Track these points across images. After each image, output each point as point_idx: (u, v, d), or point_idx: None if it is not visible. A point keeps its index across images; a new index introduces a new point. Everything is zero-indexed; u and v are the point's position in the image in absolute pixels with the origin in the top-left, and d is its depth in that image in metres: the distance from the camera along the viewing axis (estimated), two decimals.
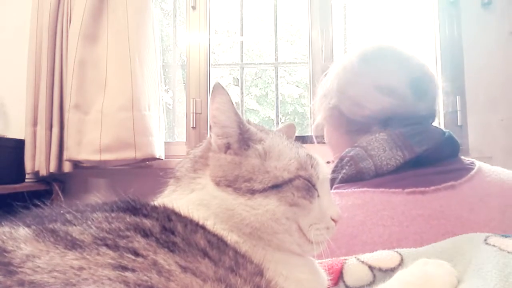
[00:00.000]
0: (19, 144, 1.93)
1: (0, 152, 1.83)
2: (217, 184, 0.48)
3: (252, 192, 0.47)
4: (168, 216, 0.43)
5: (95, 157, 1.82)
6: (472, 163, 0.85)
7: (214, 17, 2.27)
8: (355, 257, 0.56)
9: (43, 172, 1.89)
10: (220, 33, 3.41)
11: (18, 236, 0.36)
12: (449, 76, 2.03)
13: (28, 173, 1.95)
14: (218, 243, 0.42)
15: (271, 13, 2.31)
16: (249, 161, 0.49)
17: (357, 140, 0.89)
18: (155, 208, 0.44)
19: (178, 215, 0.44)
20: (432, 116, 0.93)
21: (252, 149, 0.50)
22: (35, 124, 1.94)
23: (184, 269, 0.35)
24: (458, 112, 1.99)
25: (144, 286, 0.32)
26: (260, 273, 0.41)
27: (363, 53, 0.94)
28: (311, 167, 0.51)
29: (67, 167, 1.92)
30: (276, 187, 0.47)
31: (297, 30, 3.58)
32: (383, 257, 0.55)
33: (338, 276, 0.55)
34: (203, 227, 0.44)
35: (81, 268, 0.32)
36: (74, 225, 0.39)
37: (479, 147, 1.93)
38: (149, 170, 1.96)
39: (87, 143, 1.84)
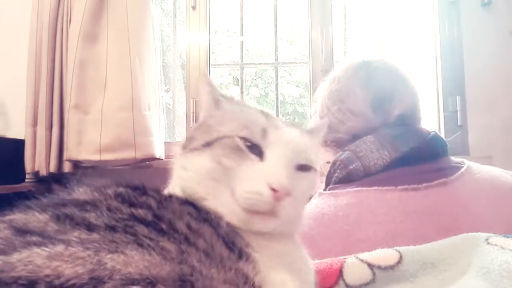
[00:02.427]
0: (19, 144, 1.93)
1: (0, 152, 1.83)
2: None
3: (192, 150, 0.49)
4: (158, 202, 0.44)
5: (95, 157, 1.82)
6: (462, 162, 0.88)
7: (214, 17, 2.27)
8: (354, 256, 0.57)
9: (43, 172, 1.89)
10: (220, 33, 3.41)
11: (39, 219, 0.37)
12: (449, 76, 2.03)
13: (28, 173, 1.95)
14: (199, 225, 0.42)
15: (271, 13, 2.31)
16: (202, 126, 0.52)
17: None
18: (140, 195, 0.44)
19: (162, 200, 0.45)
20: (414, 116, 0.96)
21: (212, 116, 0.53)
22: (35, 124, 1.94)
23: (182, 253, 0.36)
24: (458, 112, 1.99)
25: (176, 261, 0.33)
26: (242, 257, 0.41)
27: (332, 77, 1.02)
28: (259, 127, 0.47)
29: (67, 167, 1.92)
30: (209, 144, 0.48)
31: (297, 30, 3.59)
32: (382, 255, 0.55)
33: (337, 275, 0.55)
34: (188, 210, 0.44)
35: (112, 241, 0.34)
36: (87, 211, 0.40)
37: (479, 147, 1.93)
38: (149, 170, 1.96)
39: (87, 143, 1.84)
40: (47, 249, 0.30)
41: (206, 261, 0.36)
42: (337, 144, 0.99)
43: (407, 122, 0.91)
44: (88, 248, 0.31)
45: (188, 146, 0.50)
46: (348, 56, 2.29)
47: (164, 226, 0.39)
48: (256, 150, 0.46)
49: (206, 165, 0.46)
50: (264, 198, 0.43)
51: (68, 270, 0.29)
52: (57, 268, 0.29)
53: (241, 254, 0.40)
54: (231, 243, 0.41)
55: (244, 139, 0.46)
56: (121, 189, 0.44)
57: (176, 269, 0.32)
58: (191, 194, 0.46)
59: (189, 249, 0.37)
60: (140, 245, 0.34)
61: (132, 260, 0.31)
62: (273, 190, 0.43)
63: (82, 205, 0.41)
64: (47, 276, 0.28)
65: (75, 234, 0.35)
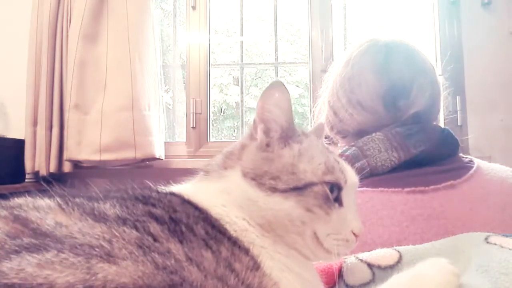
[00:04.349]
0: (19, 144, 1.93)
1: (0, 152, 1.83)
2: (244, 175, 0.49)
3: (274, 190, 0.47)
4: (174, 207, 0.44)
5: (95, 157, 1.82)
6: (471, 161, 0.84)
7: (214, 17, 2.27)
8: (354, 256, 0.56)
9: (43, 172, 1.89)
10: (220, 33, 3.41)
11: (43, 206, 0.38)
12: (449, 76, 2.03)
13: (28, 173, 1.95)
14: (216, 235, 0.43)
15: (271, 13, 2.31)
16: (281, 160, 0.50)
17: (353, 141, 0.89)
18: (161, 198, 0.46)
19: (183, 205, 0.45)
20: (430, 113, 0.91)
21: (288, 148, 0.51)
22: (35, 124, 1.94)
23: (191, 261, 0.36)
24: (458, 112, 1.98)
25: (168, 270, 0.33)
26: (256, 267, 0.41)
27: (347, 59, 0.93)
28: (340, 171, 0.50)
29: (67, 167, 1.92)
30: (297, 189, 0.47)
31: (297, 30, 3.59)
32: (381, 255, 0.55)
33: (337, 275, 0.55)
34: (204, 219, 0.45)
35: (110, 241, 0.34)
36: (98, 202, 0.40)
37: (479, 147, 1.93)
38: (149, 170, 1.96)
39: (87, 143, 1.84)
40: (38, 256, 0.30)
41: (211, 272, 0.36)
42: (342, 134, 0.95)
43: (420, 119, 0.86)
44: (78, 255, 0.31)
45: (261, 181, 0.48)
46: None
47: (183, 228, 0.40)
48: (336, 194, 0.49)
49: (296, 211, 0.47)
50: (350, 244, 0.49)
51: (60, 279, 0.29)
52: (48, 277, 0.29)
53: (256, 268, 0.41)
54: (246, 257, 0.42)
55: (328, 183, 0.49)
56: (145, 192, 0.46)
57: (167, 279, 0.32)
58: (277, 225, 0.48)
59: (199, 257, 0.37)
60: (140, 247, 0.34)
61: (126, 271, 0.31)
62: (355, 235, 0.49)
63: (97, 198, 0.42)
64: (40, 285, 0.28)
65: (79, 227, 0.35)
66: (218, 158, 0.55)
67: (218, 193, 0.49)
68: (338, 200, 0.49)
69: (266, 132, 0.52)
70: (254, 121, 0.53)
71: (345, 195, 0.50)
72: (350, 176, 0.52)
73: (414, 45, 0.93)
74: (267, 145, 0.51)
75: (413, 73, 0.89)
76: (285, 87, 0.51)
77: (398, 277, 0.48)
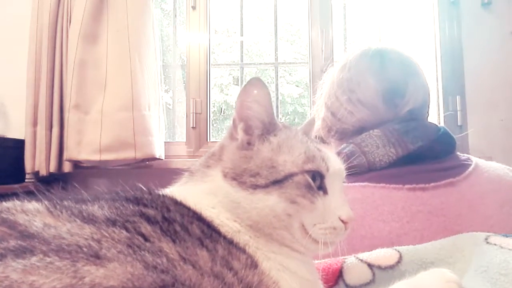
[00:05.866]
0: (19, 144, 1.93)
1: (0, 152, 1.83)
2: (225, 176, 0.49)
3: (255, 187, 0.47)
4: (167, 207, 0.44)
5: (95, 157, 1.82)
6: (469, 159, 0.86)
7: (214, 17, 2.27)
8: (354, 256, 0.57)
9: (43, 172, 1.89)
10: (220, 33, 3.41)
11: (31, 209, 0.37)
12: (449, 76, 2.03)
13: (28, 173, 1.95)
14: (212, 234, 0.43)
15: (271, 13, 2.31)
16: (260, 156, 0.49)
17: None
18: (154, 198, 0.45)
19: (176, 205, 0.45)
20: (423, 111, 0.94)
21: (267, 143, 0.51)
22: (35, 124, 1.94)
23: (184, 260, 0.36)
24: (458, 112, 1.99)
25: (159, 269, 0.32)
26: (255, 265, 0.41)
27: (343, 64, 0.97)
28: (321, 159, 0.50)
29: (67, 167, 1.92)
30: (278, 182, 0.47)
31: (297, 30, 3.59)
32: (381, 255, 0.55)
33: (337, 275, 0.55)
34: (199, 219, 0.45)
35: (99, 240, 0.33)
36: (86, 204, 0.40)
37: (479, 147, 1.93)
38: (149, 170, 1.96)
39: (87, 143, 1.84)
40: (23, 262, 0.30)
41: (206, 270, 0.36)
42: (340, 135, 0.96)
43: (416, 117, 0.89)
44: (65, 258, 0.30)
45: (242, 180, 0.48)
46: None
47: (177, 227, 0.40)
48: (318, 182, 0.49)
49: (280, 205, 0.47)
50: (339, 232, 0.48)
51: (46, 285, 0.28)
52: (33, 283, 0.28)
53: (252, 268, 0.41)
54: (242, 257, 0.42)
55: (310, 172, 0.48)
56: (136, 192, 0.46)
57: (158, 280, 0.32)
58: (263, 224, 0.47)
59: (194, 256, 0.36)
60: (129, 247, 0.34)
61: (114, 274, 0.30)
62: (343, 222, 0.48)
63: (85, 200, 0.41)
64: None
65: (67, 228, 0.34)
66: (202, 158, 0.56)
67: (205, 195, 0.49)
68: (322, 188, 0.49)
69: (247, 130, 0.51)
70: (234, 120, 0.53)
71: (329, 183, 0.50)
72: (333, 163, 0.51)
73: (405, 51, 0.97)
74: (248, 143, 0.51)
75: (408, 75, 0.92)
76: (263, 83, 0.51)
77: (399, 286, 0.47)
